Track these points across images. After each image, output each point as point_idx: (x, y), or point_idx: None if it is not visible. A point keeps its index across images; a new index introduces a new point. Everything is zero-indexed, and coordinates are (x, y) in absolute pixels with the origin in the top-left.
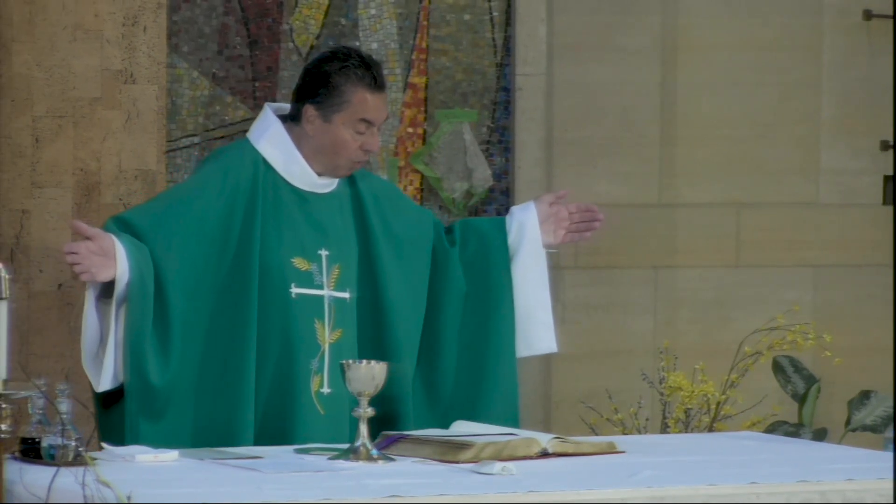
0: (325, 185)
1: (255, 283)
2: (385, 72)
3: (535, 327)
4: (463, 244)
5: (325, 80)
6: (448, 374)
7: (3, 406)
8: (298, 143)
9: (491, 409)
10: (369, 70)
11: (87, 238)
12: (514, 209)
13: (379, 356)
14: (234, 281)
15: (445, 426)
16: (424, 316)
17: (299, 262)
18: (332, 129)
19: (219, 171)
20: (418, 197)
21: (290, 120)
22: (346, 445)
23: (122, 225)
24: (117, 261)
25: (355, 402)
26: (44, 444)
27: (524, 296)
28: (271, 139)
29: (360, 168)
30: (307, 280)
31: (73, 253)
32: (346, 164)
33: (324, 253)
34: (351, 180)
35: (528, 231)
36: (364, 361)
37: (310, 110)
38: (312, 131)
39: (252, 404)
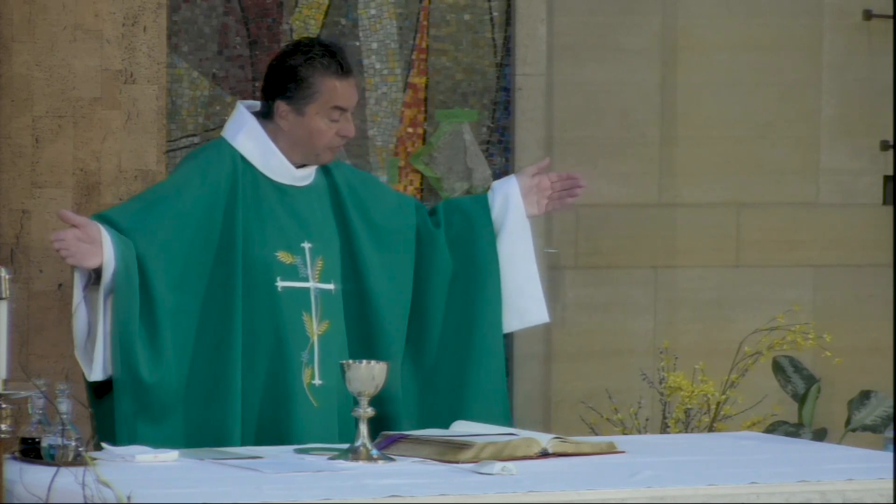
0: (304, 177)
1: (240, 280)
2: (385, 72)
3: (525, 300)
4: (448, 224)
5: (292, 75)
6: (431, 348)
7: (3, 406)
8: (274, 138)
9: (479, 386)
10: (334, 57)
11: (75, 226)
12: (496, 183)
13: (366, 347)
14: (219, 278)
15: (428, 404)
16: (412, 299)
17: (284, 256)
18: (305, 121)
19: (197, 169)
20: (418, 197)
21: (262, 117)
22: (346, 445)
23: (104, 222)
24: (104, 248)
25: (345, 395)
26: (44, 444)
27: (512, 269)
28: (248, 135)
29: (338, 151)
30: (292, 273)
31: (60, 240)
32: (325, 151)
33: (307, 245)
34: (326, 171)
35: (512, 204)
36: (364, 361)
37: (281, 106)
38: (287, 126)
39: (239, 400)
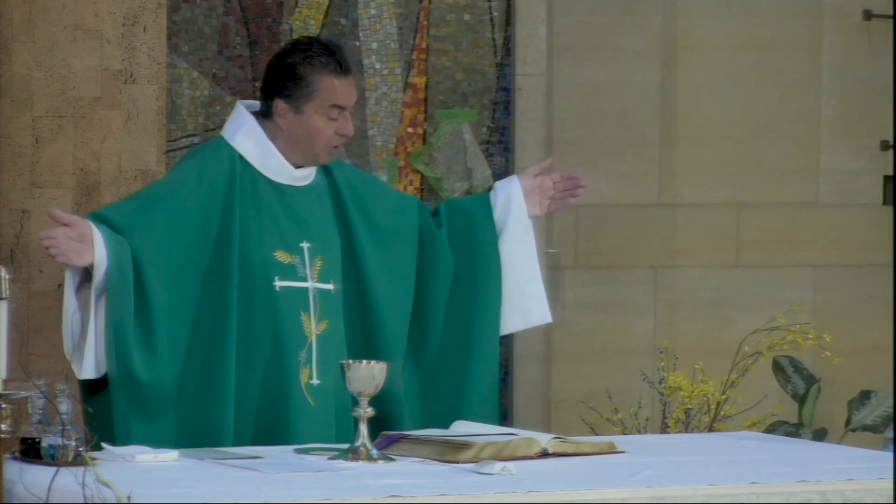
0: (303, 177)
1: (235, 279)
2: (385, 72)
3: (527, 300)
4: (449, 224)
5: (290, 73)
6: (433, 348)
7: (3, 406)
8: (273, 137)
9: (477, 386)
10: (333, 56)
11: (65, 224)
12: (498, 184)
13: (366, 346)
14: (215, 277)
15: (429, 404)
16: (413, 300)
17: (282, 256)
18: (304, 120)
19: (194, 168)
20: (419, 197)
21: (262, 116)
22: (346, 445)
23: (100, 221)
24: (95, 246)
25: (343, 395)
26: (44, 444)
27: (514, 270)
28: (246, 135)
29: (337, 152)
30: (291, 273)
31: (50, 238)
32: (324, 150)
33: (306, 245)
34: (326, 171)
35: (514, 204)
36: (364, 361)
37: (280, 104)
38: (286, 125)
39: (233, 399)
